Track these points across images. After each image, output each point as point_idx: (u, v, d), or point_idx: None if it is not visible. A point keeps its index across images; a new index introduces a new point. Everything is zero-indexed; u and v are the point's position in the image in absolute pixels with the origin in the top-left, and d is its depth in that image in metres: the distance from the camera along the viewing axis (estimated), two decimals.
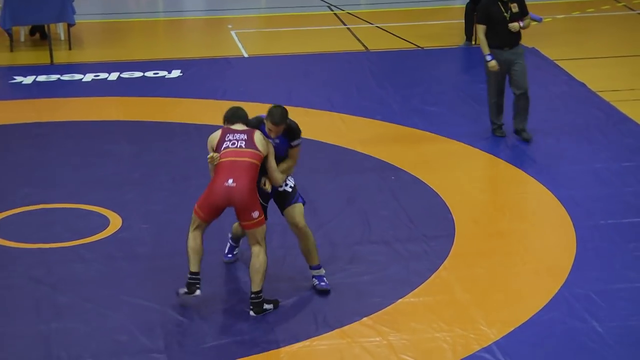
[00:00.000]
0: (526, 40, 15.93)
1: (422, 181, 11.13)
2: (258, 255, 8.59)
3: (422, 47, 16.05)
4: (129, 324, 8.47)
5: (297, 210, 8.93)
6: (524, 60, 12.01)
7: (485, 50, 11.91)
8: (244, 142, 8.62)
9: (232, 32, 16.96)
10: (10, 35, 15.87)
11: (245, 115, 8.91)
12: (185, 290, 8.58)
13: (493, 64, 11.87)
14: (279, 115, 8.80)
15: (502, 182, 11.24)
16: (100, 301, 8.80)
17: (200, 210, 8.60)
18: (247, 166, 8.54)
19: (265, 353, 8.11)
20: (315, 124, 12.74)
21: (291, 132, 8.97)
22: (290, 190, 8.96)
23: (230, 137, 8.64)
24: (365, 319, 8.54)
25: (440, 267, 9.37)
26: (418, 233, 10.01)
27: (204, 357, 8.06)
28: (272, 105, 8.88)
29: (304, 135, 11.91)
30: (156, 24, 18.36)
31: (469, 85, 14.40)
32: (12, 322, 8.54)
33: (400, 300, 8.84)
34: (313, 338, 8.30)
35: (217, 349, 8.15)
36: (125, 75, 14.74)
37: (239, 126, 8.78)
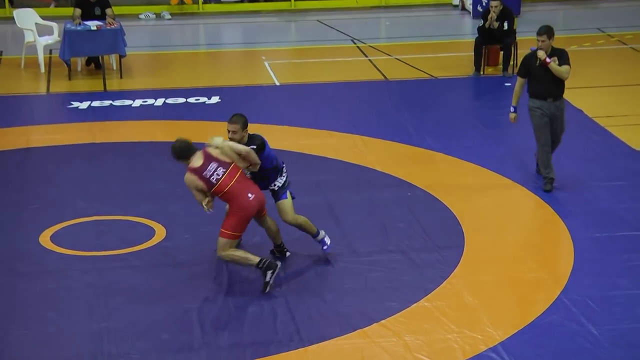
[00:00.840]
0: None
1: (434, 197, 11.11)
2: (270, 219, 9.22)
3: (436, 77, 16.04)
4: (171, 323, 8.47)
5: (286, 205, 9.31)
6: (564, 116, 11.20)
7: (513, 101, 11.27)
8: (220, 168, 8.73)
9: (266, 63, 16.99)
10: (68, 65, 15.96)
11: (189, 147, 8.92)
12: (270, 275, 8.85)
13: (512, 116, 11.33)
14: (236, 117, 9.00)
15: (507, 198, 11.19)
16: (146, 303, 8.81)
17: (236, 231, 8.82)
18: (244, 176, 8.84)
19: (294, 351, 8.10)
20: (339, 145, 12.74)
21: (250, 140, 9.10)
22: (277, 188, 9.30)
23: (208, 173, 8.72)
24: (383, 321, 8.51)
25: (451, 275, 9.34)
26: (431, 243, 9.97)
27: (238, 355, 8.05)
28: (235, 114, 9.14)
29: (329, 155, 11.96)
30: (197, 55, 18.42)
31: (477, 110, 14.39)
32: (68, 321, 8.56)
33: (415, 304, 8.81)
34: (336, 338, 8.27)
35: (251, 347, 8.14)
36: (169, 101, 14.78)
37: (197, 160, 8.78)
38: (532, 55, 11.04)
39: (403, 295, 8.95)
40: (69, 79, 15.92)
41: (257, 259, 8.87)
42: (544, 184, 11.17)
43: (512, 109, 11.27)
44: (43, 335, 8.33)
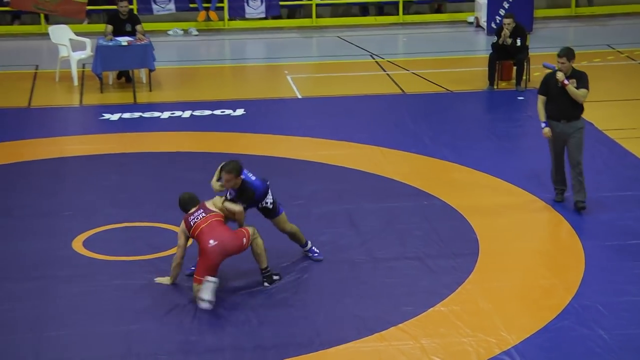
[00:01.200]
0: None
1: (450, 206, 11.07)
2: (255, 241, 9.02)
3: (451, 91, 15.99)
4: (198, 325, 8.47)
5: (282, 219, 9.46)
6: (582, 135, 10.76)
7: (541, 118, 10.82)
8: (202, 212, 8.91)
9: (288, 77, 17.00)
10: (100, 79, 16.01)
11: (194, 199, 9.15)
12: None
13: (545, 131, 10.77)
14: (230, 166, 9.03)
15: (520, 208, 11.13)
16: (173, 306, 8.80)
17: (205, 275, 8.68)
18: (216, 223, 8.86)
19: (313, 353, 8.07)
20: (359, 156, 12.72)
21: (242, 193, 9.11)
22: (270, 206, 9.34)
23: (192, 217, 8.91)
24: (400, 324, 8.48)
25: (466, 281, 9.29)
26: (447, 251, 9.93)
27: (260, 356, 8.03)
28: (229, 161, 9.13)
29: (348, 165, 11.92)
30: (223, 69, 18.45)
31: (491, 123, 14.33)
32: (98, 323, 8.56)
33: (431, 309, 8.77)
34: (355, 341, 8.25)
35: (272, 349, 8.12)
36: (196, 113, 14.80)
37: (193, 209, 9.02)
38: (553, 74, 10.74)
39: (419, 300, 8.91)
40: (101, 91, 15.97)
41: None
42: (555, 195, 11.07)
43: (542, 125, 10.80)
44: (75, 336, 8.34)
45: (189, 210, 9.03)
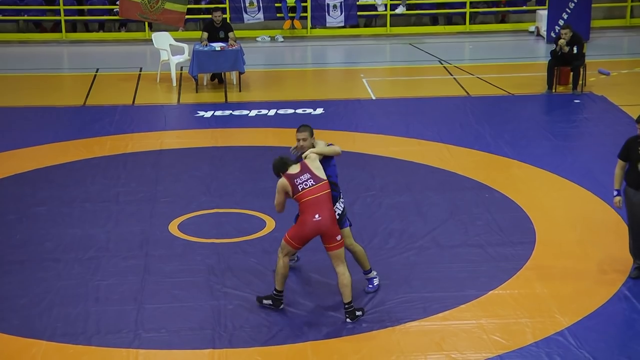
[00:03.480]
0: (597, 90, 15.61)
1: (510, 198, 10.93)
2: (344, 273, 8.13)
3: (512, 94, 15.79)
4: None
5: (345, 233, 8.41)
6: None
7: (615, 185, 8.89)
8: (311, 180, 8.11)
9: (364, 80, 16.96)
10: (196, 80, 16.17)
11: (287, 161, 8.35)
12: (271, 303, 8.32)
13: (616, 200, 8.90)
14: (303, 127, 8.55)
15: (575, 201, 10.95)
16: (257, 283, 8.85)
17: (293, 241, 8.16)
18: (326, 198, 8.14)
19: (384, 330, 8.05)
20: (427, 152, 12.64)
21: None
22: (337, 217, 8.33)
23: (299, 181, 8.10)
24: (462, 306, 8.41)
25: (523, 267, 9.17)
26: (506, 239, 9.81)
27: (335, 331, 8.03)
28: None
29: (417, 160, 11.85)
30: (305, 72, 18.48)
31: (549, 124, 14.11)
32: (192, 298, 8.65)
33: (491, 292, 8.68)
34: (421, 319, 8.20)
35: (350, 325, 8.11)
36: (280, 111, 14.86)
37: (294, 169, 8.21)
38: (635, 139, 8.87)
39: (480, 284, 8.83)
40: (196, 92, 16.13)
41: (280, 287, 8.29)
42: (633, 269, 8.93)
43: (615, 193, 8.90)
44: (171, 309, 8.44)
45: (287, 171, 8.24)
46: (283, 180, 8.24)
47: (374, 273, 8.77)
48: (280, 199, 8.31)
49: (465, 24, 21.28)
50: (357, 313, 8.22)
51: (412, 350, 7.73)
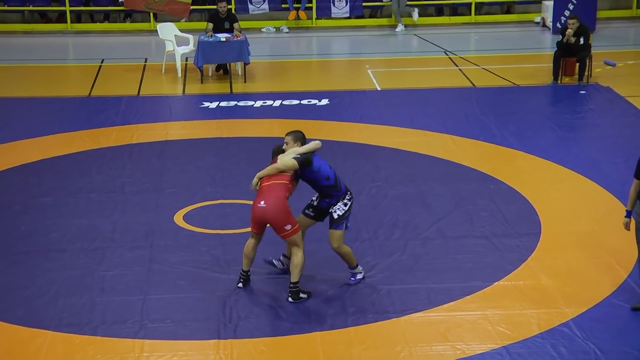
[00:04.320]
0: (603, 81, 15.56)
1: (515, 190, 10.92)
2: (297, 254, 8.32)
3: (518, 85, 15.75)
4: (285, 293, 8.50)
5: (336, 235, 8.44)
6: None
7: (628, 205, 8.32)
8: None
9: (369, 71, 16.93)
10: (201, 71, 16.16)
11: (278, 151, 8.55)
12: (241, 282, 8.58)
13: (625, 222, 8.33)
14: (292, 132, 8.60)
15: (580, 192, 10.93)
16: (263, 274, 8.85)
17: (250, 225, 8.49)
18: (275, 187, 8.26)
19: (389, 320, 8.06)
20: (432, 143, 12.62)
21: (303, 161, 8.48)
22: (336, 217, 8.39)
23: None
24: (467, 297, 8.41)
25: (529, 258, 9.17)
26: (511, 230, 9.81)
27: (341, 321, 8.04)
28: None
29: (422, 151, 11.82)
30: (310, 63, 18.46)
31: (554, 115, 14.08)
32: (198, 289, 8.66)
33: (496, 283, 8.68)
34: (426, 310, 8.21)
35: (352, 316, 8.14)
36: (285, 102, 14.85)
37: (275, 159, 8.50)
38: None
39: (486, 275, 8.83)
40: (201, 82, 16.11)
41: (245, 268, 8.58)
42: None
43: (626, 214, 8.35)
44: (176, 300, 8.46)
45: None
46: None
47: (359, 268, 8.73)
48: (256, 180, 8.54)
49: (470, 14, 21.22)
50: (302, 295, 8.35)
51: (417, 341, 7.74)
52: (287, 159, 8.37)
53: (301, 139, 8.55)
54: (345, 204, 8.46)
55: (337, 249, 8.56)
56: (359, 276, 8.72)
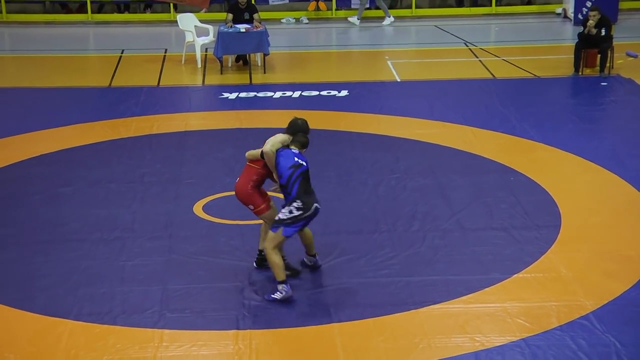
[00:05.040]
0: (624, 72, 15.46)
1: (535, 182, 10.87)
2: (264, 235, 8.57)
3: (538, 76, 15.67)
4: (304, 283, 8.51)
5: (269, 235, 8.20)
6: None
7: None
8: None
9: (389, 62, 16.89)
10: (221, 62, 16.18)
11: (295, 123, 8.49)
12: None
13: None
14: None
15: (600, 184, 10.87)
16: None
17: None
18: (247, 169, 8.52)
19: (407, 312, 8.05)
20: (451, 135, 12.59)
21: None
22: (276, 218, 8.21)
23: None
24: (486, 289, 8.39)
25: (548, 251, 9.13)
26: (531, 223, 9.77)
27: (358, 313, 8.04)
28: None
29: (441, 143, 11.76)
30: (330, 54, 18.44)
31: (575, 107, 14.00)
32: (217, 279, 8.68)
33: (515, 275, 8.65)
34: (445, 302, 8.19)
35: (370, 308, 8.13)
36: (305, 93, 14.84)
37: None
38: None
39: (505, 267, 8.80)
40: (221, 73, 16.14)
41: (260, 247, 8.71)
42: None
43: None
44: (195, 290, 8.47)
45: None
46: None
47: (282, 287, 8.15)
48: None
49: (491, 5, 21.12)
50: (265, 263, 8.51)
51: (435, 333, 7.73)
52: (259, 148, 8.43)
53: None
54: (291, 212, 8.09)
55: (266, 251, 8.19)
56: (275, 295, 8.13)
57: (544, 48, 17.85)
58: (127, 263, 8.98)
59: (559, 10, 20.72)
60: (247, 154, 8.60)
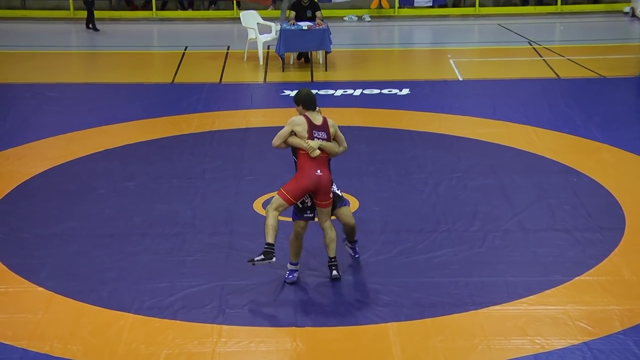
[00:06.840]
0: None
1: (598, 183, 10.70)
2: (332, 229, 8.49)
3: (604, 76, 15.41)
4: (361, 278, 8.49)
5: (345, 211, 8.63)
6: None
7: None
8: (324, 135, 8.44)
9: (451, 60, 16.78)
10: (282, 59, 16.25)
11: (314, 101, 8.58)
12: (262, 257, 8.33)
13: None
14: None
15: None
16: (340, 262, 8.84)
17: (289, 194, 8.38)
18: (326, 160, 8.43)
19: (466, 313, 7.98)
20: (513, 134, 12.46)
21: None
22: (335, 195, 8.57)
23: (316, 134, 8.41)
24: (547, 291, 8.27)
25: (612, 253, 8.97)
26: (594, 224, 9.61)
27: (417, 313, 7.99)
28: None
29: (503, 142, 11.65)
30: (391, 53, 18.39)
31: None
32: (275, 276, 8.69)
33: (577, 277, 8.52)
34: (504, 303, 8.11)
35: (430, 308, 8.07)
36: (366, 91, 14.83)
37: (317, 118, 8.49)
38: None
39: (567, 269, 8.67)
40: (282, 70, 16.20)
41: (270, 240, 8.34)
42: None
43: None
44: (254, 286, 8.50)
45: (309, 111, 8.53)
46: (301, 118, 8.49)
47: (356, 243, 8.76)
48: (286, 132, 8.51)
49: (556, 4, 20.84)
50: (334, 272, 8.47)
51: (495, 334, 7.65)
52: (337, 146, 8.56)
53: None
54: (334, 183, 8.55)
55: (353, 224, 8.58)
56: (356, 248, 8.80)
57: (610, 47, 17.57)
58: (188, 258, 9.06)
59: (627, 9, 20.37)
60: (323, 144, 8.43)
